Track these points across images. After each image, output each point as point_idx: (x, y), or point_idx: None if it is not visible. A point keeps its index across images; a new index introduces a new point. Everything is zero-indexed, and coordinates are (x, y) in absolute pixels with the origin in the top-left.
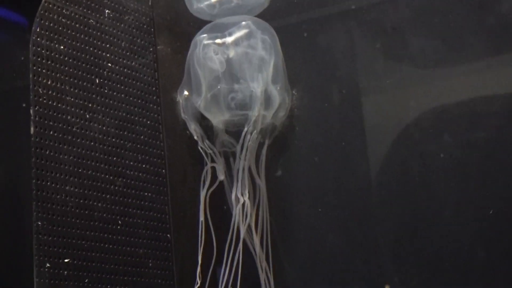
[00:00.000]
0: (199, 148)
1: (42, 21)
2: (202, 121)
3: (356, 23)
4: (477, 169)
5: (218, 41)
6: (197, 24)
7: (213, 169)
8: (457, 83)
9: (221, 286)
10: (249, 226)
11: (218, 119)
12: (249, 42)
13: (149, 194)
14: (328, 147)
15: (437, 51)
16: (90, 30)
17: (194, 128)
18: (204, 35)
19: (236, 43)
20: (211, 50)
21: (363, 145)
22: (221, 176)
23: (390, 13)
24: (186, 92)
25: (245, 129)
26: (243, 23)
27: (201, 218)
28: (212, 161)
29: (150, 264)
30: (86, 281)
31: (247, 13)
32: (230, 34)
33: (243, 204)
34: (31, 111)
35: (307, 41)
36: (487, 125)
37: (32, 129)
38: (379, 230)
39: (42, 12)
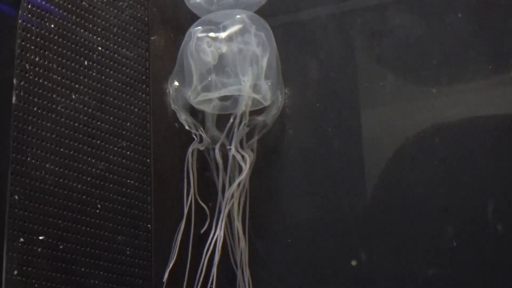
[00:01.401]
0: (193, 135)
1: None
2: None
3: (355, 25)
4: (475, 186)
5: (212, 34)
6: (193, 18)
7: (200, 163)
8: (458, 100)
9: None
10: (230, 223)
11: (207, 110)
12: (243, 38)
13: (132, 181)
14: (319, 149)
15: (439, 68)
16: (82, 12)
17: (185, 119)
18: (199, 27)
19: (229, 37)
20: (204, 43)
21: (358, 154)
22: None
23: (392, 20)
24: (176, 83)
25: (231, 120)
26: (238, 17)
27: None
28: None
29: (128, 252)
30: (60, 261)
31: (245, 9)
32: (224, 28)
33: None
34: (14, 82)
35: (304, 40)
36: (486, 143)
37: (14, 98)
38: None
39: None
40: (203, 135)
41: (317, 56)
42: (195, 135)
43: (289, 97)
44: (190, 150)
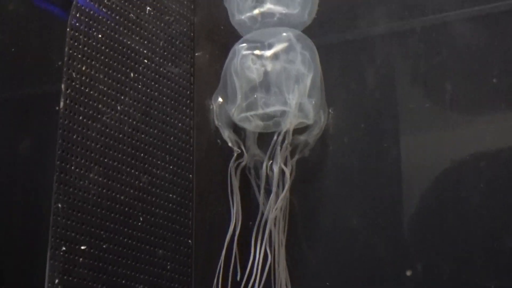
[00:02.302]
0: (234, 152)
1: (82, 8)
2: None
3: (400, 47)
4: None
5: (257, 52)
6: (238, 35)
7: (241, 181)
8: (499, 129)
9: None
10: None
11: (250, 128)
12: (288, 56)
13: (174, 196)
14: (360, 172)
15: (479, 96)
16: (129, 24)
17: (228, 136)
18: (244, 44)
19: (275, 55)
20: (249, 60)
21: (397, 175)
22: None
23: (438, 44)
24: (220, 99)
25: (275, 138)
26: (284, 34)
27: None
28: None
29: (169, 267)
30: (101, 272)
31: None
32: (270, 46)
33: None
34: (62, 88)
35: (348, 61)
36: None
37: (61, 104)
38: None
39: None
40: (245, 152)
41: (361, 76)
42: (237, 152)
43: (332, 116)
44: (231, 165)
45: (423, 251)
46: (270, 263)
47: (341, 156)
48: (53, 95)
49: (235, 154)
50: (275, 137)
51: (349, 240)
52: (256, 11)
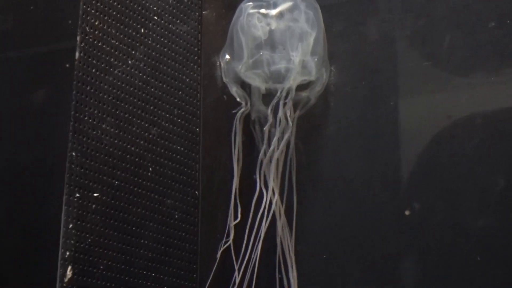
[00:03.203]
0: (241, 107)
1: None
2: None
3: (398, 7)
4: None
5: (262, 10)
6: None
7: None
8: (497, 91)
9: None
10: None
11: (256, 85)
12: (293, 15)
13: (182, 148)
14: (360, 126)
15: (479, 58)
16: None
17: (235, 91)
18: (250, 3)
19: (280, 13)
20: (255, 18)
21: (395, 131)
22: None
23: (437, 12)
24: (227, 56)
25: (278, 93)
26: None
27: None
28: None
29: (176, 216)
30: (112, 218)
31: None
32: (275, 5)
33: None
34: (78, 40)
35: (350, 21)
36: None
37: (76, 55)
38: (405, 239)
39: None
40: (250, 107)
41: (362, 36)
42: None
43: (334, 74)
44: (236, 117)
45: (420, 194)
46: (274, 204)
47: (342, 111)
48: (68, 52)
49: (242, 108)
50: (278, 93)
51: (349, 186)
52: None
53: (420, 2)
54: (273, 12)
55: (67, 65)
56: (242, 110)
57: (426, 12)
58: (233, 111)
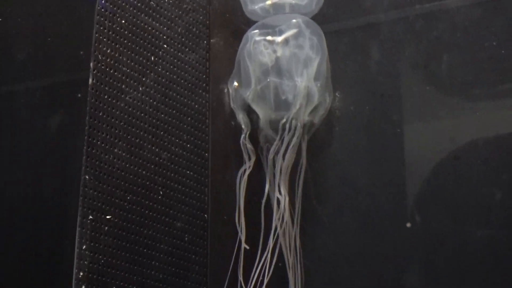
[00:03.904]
0: (241, 143)
1: None
2: (249, 114)
3: (400, 33)
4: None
5: (268, 38)
6: (250, 22)
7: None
8: (501, 116)
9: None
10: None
11: (264, 111)
12: (298, 41)
13: (191, 172)
14: (365, 152)
15: (482, 84)
16: (150, 11)
17: (242, 117)
18: (256, 30)
19: (285, 41)
20: (261, 46)
21: (401, 154)
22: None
23: (443, 29)
24: (235, 83)
25: (284, 120)
26: (294, 21)
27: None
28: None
29: (186, 238)
30: (124, 240)
31: None
32: (280, 32)
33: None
34: (91, 66)
35: (354, 48)
36: None
37: (90, 81)
38: (409, 251)
39: None
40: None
41: (365, 61)
42: (246, 148)
43: (339, 100)
44: (241, 142)
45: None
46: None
47: (347, 137)
48: (81, 79)
49: (247, 133)
50: (284, 119)
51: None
52: (268, 2)
53: (420, 25)
54: (279, 39)
55: (80, 94)
56: (244, 136)
57: (427, 36)
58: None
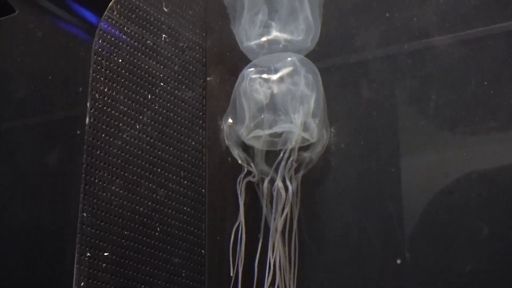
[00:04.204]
0: (245, 167)
1: (104, 35)
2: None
3: (393, 69)
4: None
5: (264, 76)
6: (246, 60)
7: (253, 198)
8: (496, 149)
9: None
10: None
11: (258, 147)
12: (293, 79)
13: (188, 209)
14: (361, 187)
15: (475, 118)
16: (146, 50)
17: (237, 153)
18: (252, 69)
19: (281, 79)
20: (257, 84)
21: (396, 190)
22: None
23: (434, 65)
24: (230, 120)
25: (281, 155)
26: (289, 59)
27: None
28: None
29: (184, 274)
30: (122, 276)
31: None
32: (276, 70)
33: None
34: (88, 106)
35: (348, 83)
36: None
37: (87, 119)
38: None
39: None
40: (254, 169)
41: (359, 97)
42: (247, 168)
43: (334, 135)
44: (238, 180)
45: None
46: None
47: (342, 170)
48: (78, 117)
49: (245, 171)
50: (281, 154)
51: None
52: (263, 39)
53: (407, 63)
54: (274, 77)
55: (78, 132)
56: (244, 175)
57: (414, 73)
58: (238, 176)
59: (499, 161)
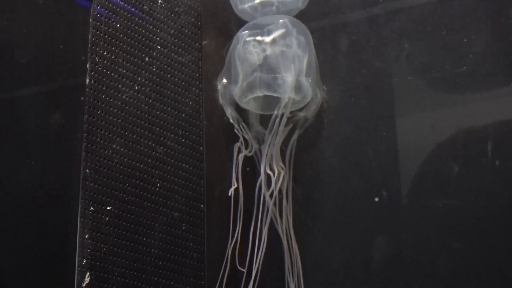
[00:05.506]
0: (235, 130)
1: (102, 1)
2: (239, 110)
3: (387, 27)
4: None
5: (258, 38)
6: (240, 22)
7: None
8: (482, 107)
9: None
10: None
11: (252, 107)
12: (285, 41)
13: (186, 165)
14: (356, 141)
15: (466, 77)
16: (143, 14)
17: (230, 113)
18: (246, 31)
19: (273, 40)
20: (251, 46)
21: (392, 143)
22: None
23: (425, 22)
24: (224, 80)
25: (275, 112)
26: (281, 21)
27: (233, 187)
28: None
29: (184, 227)
30: (124, 229)
31: (286, 15)
32: (268, 32)
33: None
34: (88, 67)
35: (338, 43)
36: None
37: (87, 81)
38: (403, 249)
39: None
40: (247, 132)
41: (350, 56)
42: (238, 130)
43: (326, 93)
44: (236, 148)
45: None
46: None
47: (335, 127)
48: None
49: (240, 126)
50: (275, 111)
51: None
52: (256, 1)
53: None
54: (267, 39)
55: (82, 98)
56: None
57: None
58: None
59: (468, 104)
